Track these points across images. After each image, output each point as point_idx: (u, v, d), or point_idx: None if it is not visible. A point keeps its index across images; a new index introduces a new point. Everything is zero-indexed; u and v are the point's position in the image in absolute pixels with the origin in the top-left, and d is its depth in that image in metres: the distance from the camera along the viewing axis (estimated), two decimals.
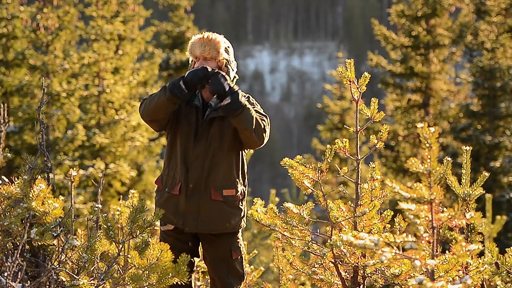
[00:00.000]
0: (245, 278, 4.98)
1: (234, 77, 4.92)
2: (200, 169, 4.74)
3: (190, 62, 4.92)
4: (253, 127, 4.63)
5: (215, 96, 4.66)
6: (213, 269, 4.90)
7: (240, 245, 4.91)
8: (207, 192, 4.74)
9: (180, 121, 4.82)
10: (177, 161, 4.80)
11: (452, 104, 20.20)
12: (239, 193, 4.81)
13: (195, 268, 4.96)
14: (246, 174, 4.92)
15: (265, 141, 4.78)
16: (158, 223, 5.00)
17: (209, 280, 6.10)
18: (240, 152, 4.84)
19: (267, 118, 4.78)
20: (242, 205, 4.84)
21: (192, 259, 4.83)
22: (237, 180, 4.81)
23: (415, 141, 19.86)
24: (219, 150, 4.76)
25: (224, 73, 4.67)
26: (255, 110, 4.74)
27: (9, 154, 4.88)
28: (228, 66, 4.84)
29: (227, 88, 4.60)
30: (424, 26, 20.13)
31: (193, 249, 4.90)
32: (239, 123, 4.62)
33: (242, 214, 4.84)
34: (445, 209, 3.18)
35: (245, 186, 4.90)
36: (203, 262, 5.59)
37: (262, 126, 4.69)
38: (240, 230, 4.91)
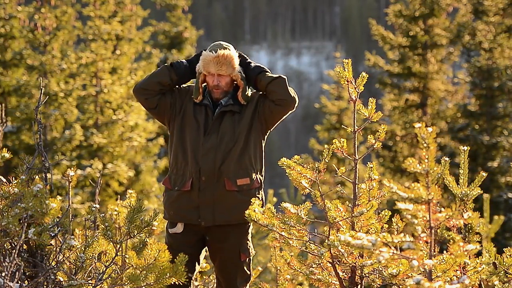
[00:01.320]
0: (251, 279, 4.97)
1: (247, 85, 4.91)
2: (212, 161, 4.74)
3: (198, 73, 4.88)
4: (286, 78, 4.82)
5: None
6: (220, 270, 4.88)
7: (249, 246, 4.89)
8: (220, 183, 4.74)
9: (188, 120, 4.84)
10: (186, 158, 4.79)
11: (450, 104, 20.18)
12: (254, 181, 4.80)
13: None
14: (262, 163, 4.92)
15: (297, 101, 4.85)
16: (156, 223, 4.99)
17: (206, 280, 6.11)
18: (254, 141, 4.84)
19: None
20: (259, 194, 4.83)
21: (193, 265, 4.81)
22: (251, 168, 4.81)
23: (413, 141, 19.85)
24: (231, 143, 4.78)
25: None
26: None
27: (6, 154, 4.87)
28: (243, 80, 4.85)
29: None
30: (421, 26, 20.12)
31: (197, 254, 4.88)
32: (270, 76, 4.80)
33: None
34: (442, 209, 3.19)
35: (261, 175, 4.89)
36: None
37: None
38: (250, 231, 4.89)
